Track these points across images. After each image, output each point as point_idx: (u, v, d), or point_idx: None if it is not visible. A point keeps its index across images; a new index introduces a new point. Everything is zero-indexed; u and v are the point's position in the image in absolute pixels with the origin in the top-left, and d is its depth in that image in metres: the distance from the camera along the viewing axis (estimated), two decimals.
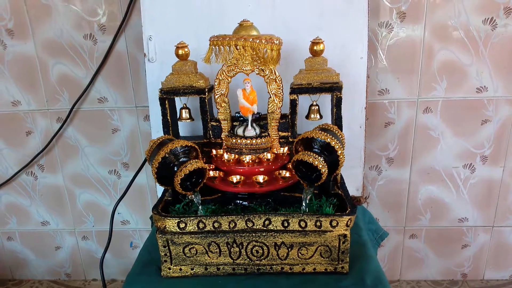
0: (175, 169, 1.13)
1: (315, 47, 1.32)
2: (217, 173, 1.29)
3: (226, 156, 1.31)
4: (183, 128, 1.61)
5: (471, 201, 2.00)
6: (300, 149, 1.17)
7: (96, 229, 2.23)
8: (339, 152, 1.13)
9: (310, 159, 1.11)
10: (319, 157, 1.12)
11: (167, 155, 1.12)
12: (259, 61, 1.26)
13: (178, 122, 1.45)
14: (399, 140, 1.92)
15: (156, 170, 1.13)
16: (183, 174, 1.11)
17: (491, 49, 1.70)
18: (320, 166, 1.10)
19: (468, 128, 1.85)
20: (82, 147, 2.05)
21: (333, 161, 1.13)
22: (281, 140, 1.37)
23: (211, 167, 1.32)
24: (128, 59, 1.84)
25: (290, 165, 1.23)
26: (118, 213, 2.15)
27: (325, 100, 1.43)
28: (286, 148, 1.36)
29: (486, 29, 1.67)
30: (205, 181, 1.15)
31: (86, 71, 1.88)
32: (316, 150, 1.14)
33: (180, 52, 1.36)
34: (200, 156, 1.19)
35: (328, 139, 1.13)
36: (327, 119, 1.37)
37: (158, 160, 1.12)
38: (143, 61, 1.61)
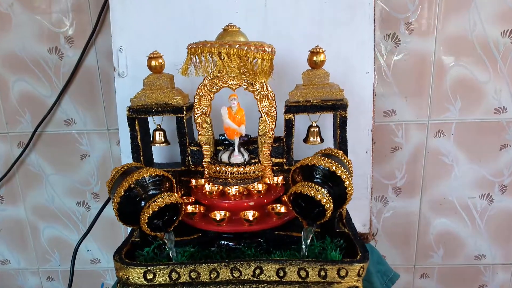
0: (142, 204, 0.98)
1: (314, 58, 1.19)
2: (196, 208, 1.15)
3: (208, 187, 1.18)
4: (159, 153, 1.50)
5: (489, 236, 1.88)
6: (298, 179, 1.05)
7: (63, 268, 2.07)
8: (347, 182, 0.98)
9: (312, 192, 0.96)
10: (322, 189, 0.97)
11: (132, 187, 0.98)
12: (247, 74, 1.14)
13: (152, 146, 1.32)
14: (407, 167, 1.81)
15: (117, 206, 0.97)
16: (151, 211, 0.95)
17: (511, 65, 1.58)
18: (324, 200, 0.95)
19: (485, 154, 1.75)
20: (46, 175, 1.91)
21: (340, 193, 0.99)
22: (274, 167, 1.24)
23: (189, 201, 1.21)
24: (99, 76, 1.73)
25: (285, 198, 1.09)
26: (88, 251, 2.01)
27: (325, 121, 1.31)
28: (280, 178, 1.22)
29: (505, 42, 1.58)
30: (181, 218, 1.02)
31: (51, 89, 1.76)
32: (318, 180, 1.00)
33: (153, 63, 1.24)
34: (175, 187, 1.06)
35: (334, 167, 0.98)
36: (329, 143, 1.27)
37: (120, 193, 0.97)
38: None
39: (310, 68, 1.20)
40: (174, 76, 1.26)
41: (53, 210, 1.98)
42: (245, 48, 1.05)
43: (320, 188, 0.96)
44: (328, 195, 0.97)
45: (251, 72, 1.11)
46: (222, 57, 1.06)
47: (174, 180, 1.04)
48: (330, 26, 1.38)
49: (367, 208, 1.56)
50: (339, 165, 0.98)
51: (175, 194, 1.01)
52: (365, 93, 1.43)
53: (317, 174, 1.01)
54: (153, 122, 1.30)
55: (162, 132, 1.30)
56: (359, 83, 1.40)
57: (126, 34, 1.45)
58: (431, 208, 1.87)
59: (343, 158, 1.07)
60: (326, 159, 1.00)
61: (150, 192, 1.01)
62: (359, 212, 1.55)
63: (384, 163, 1.80)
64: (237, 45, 1.04)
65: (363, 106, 1.44)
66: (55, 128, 1.84)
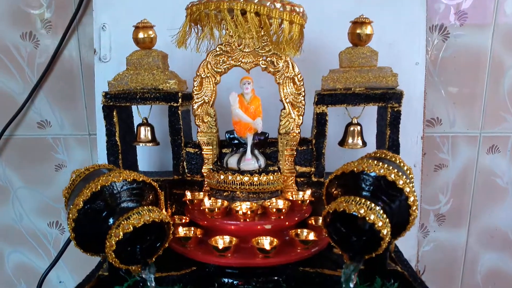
0: (110, 223, 0.80)
1: (358, 30, 1.03)
2: (191, 231, 1.04)
3: (208, 202, 1.05)
4: (146, 157, 1.38)
5: None
6: (336, 192, 0.90)
7: None
8: (411, 198, 0.81)
9: (361, 211, 0.77)
10: (376, 207, 0.78)
11: (96, 196, 0.80)
12: (267, 44, 1.01)
13: (136, 146, 1.22)
14: (453, 189, 1.61)
15: (73, 224, 0.79)
16: (121, 233, 0.76)
17: None
18: (379, 223, 0.76)
19: None
20: (14, 189, 1.74)
21: (400, 214, 0.83)
22: (299, 179, 1.12)
23: (182, 221, 1.09)
24: (81, 69, 1.55)
25: (313, 221, 1.05)
26: (60, 282, 1.83)
27: (364, 117, 1.14)
28: (307, 193, 1.09)
29: None
30: (168, 244, 0.86)
31: (23, 84, 1.59)
32: (368, 194, 0.82)
33: (141, 35, 1.09)
34: (161, 201, 0.90)
35: (393, 175, 0.80)
36: (371, 148, 1.08)
37: (78, 204, 0.78)
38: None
39: (351, 45, 1.06)
40: (168, 57, 1.16)
41: (21, 232, 1.81)
42: (268, 4, 0.87)
43: (373, 205, 0.78)
44: (384, 215, 0.78)
45: (273, 43, 0.95)
46: (235, 16, 0.89)
47: (159, 190, 0.88)
48: (372, 3, 1.25)
49: (414, 238, 1.42)
50: (400, 173, 0.81)
51: (161, 210, 0.87)
52: (415, 89, 1.27)
53: (367, 186, 0.83)
54: (138, 114, 1.16)
55: (149, 128, 1.15)
56: (407, 76, 1.21)
57: (111, 8, 1.33)
58: (480, 240, 1.69)
59: (402, 164, 0.88)
60: (381, 164, 0.81)
61: (122, 205, 0.82)
62: (402, 243, 1.32)
63: (425, 184, 1.60)
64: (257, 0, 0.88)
65: (411, 106, 1.28)
66: (25, 132, 1.66)
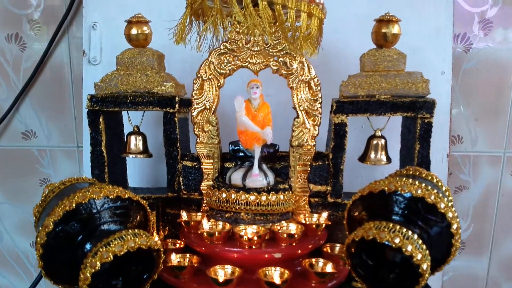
0: (86, 249, 0.69)
1: (384, 29, 0.97)
2: (187, 260, 0.95)
3: (207, 225, 0.96)
4: (137, 171, 1.31)
5: None
6: (360, 216, 0.81)
7: None
8: (454, 225, 0.71)
9: (396, 240, 0.66)
10: (413, 236, 0.68)
11: (70, 217, 0.69)
12: (280, 42, 0.93)
13: (126, 158, 1.16)
14: (474, 214, 1.55)
15: (42, 250, 0.68)
16: (99, 263, 0.64)
17: None
18: (419, 256, 0.66)
19: None
20: None
21: (440, 243, 0.74)
22: (313, 199, 1.05)
23: (176, 246, 1.00)
24: (71, 75, 1.49)
25: (328, 248, 0.97)
26: None
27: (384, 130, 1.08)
28: (323, 215, 1.01)
29: None
30: (158, 275, 0.77)
31: (7, 90, 1.54)
32: (400, 218, 0.73)
33: (134, 31, 1.02)
34: (151, 222, 0.80)
35: (433, 197, 0.71)
36: (395, 166, 1.07)
37: (48, 226, 0.67)
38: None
39: (375, 46, 1.00)
40: (165, 58, 1.10)
41: (0, 251, 1.73)
42: None
43: (410, 233, 0.69)
44: (424, 246, 0.69)
45: (287, 38, 0.85)
46: (244, 6, 0.79)
47: (149, 210, 0.80)
48: (393, 4, 1.11)
49: None
50: (440, 195, 0.73)
51: (150, 233, 0.80)
52: (440, 101, 1.10)
53: (401, 209, 0.75)
54: (128, 121, 1.09)
55: (140, 137, 1.07)
56: (431, 87, 1.07)
57: (103, 5, 1.28)
58: (503, 270, 1.61)
59: (439, 184, 0.79)
60: (418, 183, 0.74)
61: (103, 228, 0.72)
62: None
63: None
64: None
65: (437, 120, 1.13)
66: (8, 142, 1.61)
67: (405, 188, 0.73)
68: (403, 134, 1.05)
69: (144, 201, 0.78)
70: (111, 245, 0.66)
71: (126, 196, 0.73)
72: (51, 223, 0.67)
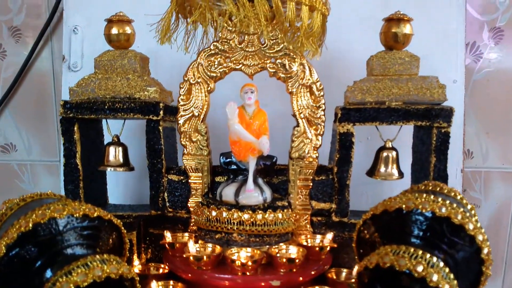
0: (46, 277, 0.59)
1: (394, 29, 0.89)
2: None
3: (194, 247, 0.87)
4: (121, 187, 1.24)
5: None
6: (372, 238, 0.72)
7: None
8: (485, 250, 0.64)
9: (419, 268, 0.58)
10: (439, 263, 0.59)
11: (26, 239, 0.60)
12: (277, 41, 0.85)
13: (106, 173, 1.09)
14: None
15: None
16: None
17: None
18: (447, 287, 0.58)
19: None
20: None
21: (468, 270, 0.65)
22: (315, 218, 0.96)
23: (159, 271, 0.92)
24: (53, 85, 1.44)
25: (333, 274, 0.89)
26: None
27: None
28: (327, 236, 0.92)
29: None
30: None
31: None
32: (420, 241, 0.64)
33: (115, 30, 0.94)
34: (126, 245, 0.70)
35: (459, 216, 0.62)
36: (406, 183, 0.99)
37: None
38: None
39: (385, 48, 0.93)
40: (151, 63, 1.03)
41: None
42: None
43: (435, 260, 0.61)
44: (451, 275, 0.60)
45: (286, 37, 0.82)
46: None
47: (124, 231, 0.71)
48: (400, 6, 1.04)
49: None
50: (467, 214, 0.66)
51: (124, 258, 0.71)
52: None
53: (421, 230, 0.66)
54: (107, 130, 1.02)
55: (120, 148, 0.98)
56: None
57: (85, 7, 1.23)
58: None
59: (464, 202, 0.70)
60: (441, 200, 0.65)
61: (66, 252, 0.62)
62: None
63: None
64: None
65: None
66: None
67: (427, 206, 0.64)
68: (415, 146, 0.97)
69: (118, 221, 0.68)
70: (73, 274, 0.57)
71: (95, 214, 0.63)
72: (3, 247, 0.58)
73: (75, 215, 0.62)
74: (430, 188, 0.73)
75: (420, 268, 0.59)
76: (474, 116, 1.38)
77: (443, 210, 0.64)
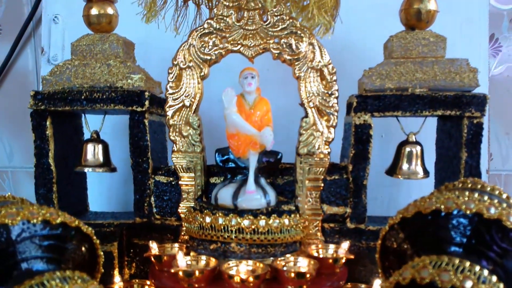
0: None
1: (417, 5, 0.80)
2: None
3: (183, 261, 0.75)
4: (104, 192, 1.15)
5: None
6: (401, 247, 0.62)
7: None
8: None
9: (467, 284, 0.47)
10: (491, 277, 0.49)
11: None
12: (283, 17, 0.74)
13: (86, 175, 0.99)
14: None
15: None
16: None
17: None
18: None
19: None
20: None
21: None
22: (328, 225, 0.86)
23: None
24: (37, 82, 1.40)
25: None
26: None
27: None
28: (343, 246, 0.80)
29: None
30: None
31: None
32: (464, 251, 0.56)
33: (95, 11, 0.84)
34: (100, 259, 0.59)
35: None
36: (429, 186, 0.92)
37: None
38: None
39: (405, 28, 0.84)
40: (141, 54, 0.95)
41: None
42: None
43: (486, 274, 0.50)
44: None
45: (296, 6, 0.74)
46: None
47: (96, 241, 0.59)
48: None
49: None
50: None
51: (96, 274, 0.60)
52: None
53: (465, 237, 0.55)
54: (85, 125, 0.92)
55: (100, 145, 0.88)
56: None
57: None
58: None
59: (510, 200, 0.59)
60: (488, 199, 0.54)
61: (22, 267, 0.51)
62: None
63: None
64: None
65: None
66: None
67: (472, 206, 0.53)
68: (440, 141, 0.89)
69: (89, 229, 0.57)
70: None
71: (58, 220, 0.51)
72: None
73: (32, 221, 0.51)
74: (469, 185, 0.61)
75: (469, 284, 0.48)
76: (492, 115, 1.32)
77: (492, 211, 0.53)
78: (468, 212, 0.55)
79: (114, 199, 1.20)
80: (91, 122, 0.92)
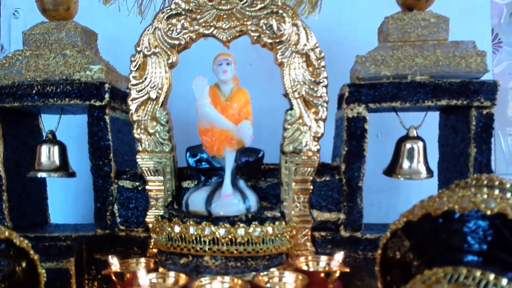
0: None
1: None
2: None
3: (145, 279, 0.65)
4: (70, 202, 1.06)
5: None
6: (405, 257, 0.54)
7: None
8: None
9: None
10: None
11: None
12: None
13: (46, 182, 0.90)
14: None
15: None
16: None
17: None
18: None
19: None
20: None
21: None
22: (318, 233, 0.78)
23: None
24: None
25: None
26: None
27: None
28: (336, 258, 0.72)
29: None
30: None
31: None
32: (484, 260, 0.48)
33: None
34: (41, 277, 0.52)
35: None
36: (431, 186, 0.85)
37: None
38: None
39: (402, 9, 0.78)
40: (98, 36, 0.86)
41: None
42: None
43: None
44: None
45: None
46: None
47: (36, 257, 0.51)
48: None
49: None
50: None
51: None
52: None
53: (484, 242, 0.47)
54: (41, 124, 0.83)
55: (56, 147, 0.78)
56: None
57: None
58: None
59: None
60: (511, 196, 0.48)
61: None
62: None
63: None
64: None
65: None
66: None
67: (492, 204, 0.45)
68: (444, 138, 0.82)
69: (26, 242, 0.50)
70: None
71: None
72: None
73: None
74: (485, 182, 0.53)
75: None
76: (495, 116, 1.31)
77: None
78: (488, 212, 0.47)
79: (80, 209, 1.11)
80: (51, 124, 0.81)
